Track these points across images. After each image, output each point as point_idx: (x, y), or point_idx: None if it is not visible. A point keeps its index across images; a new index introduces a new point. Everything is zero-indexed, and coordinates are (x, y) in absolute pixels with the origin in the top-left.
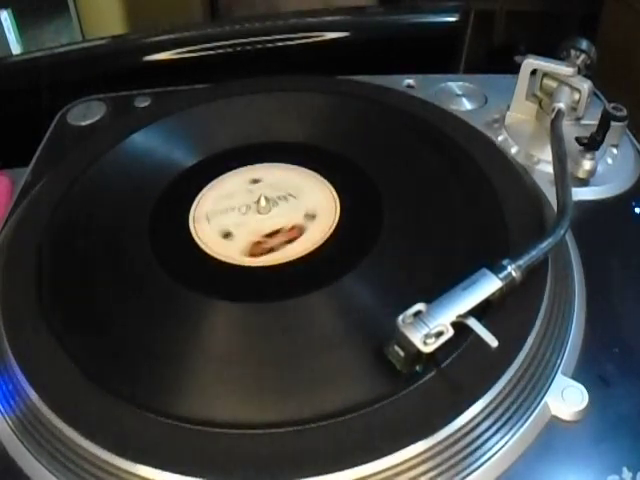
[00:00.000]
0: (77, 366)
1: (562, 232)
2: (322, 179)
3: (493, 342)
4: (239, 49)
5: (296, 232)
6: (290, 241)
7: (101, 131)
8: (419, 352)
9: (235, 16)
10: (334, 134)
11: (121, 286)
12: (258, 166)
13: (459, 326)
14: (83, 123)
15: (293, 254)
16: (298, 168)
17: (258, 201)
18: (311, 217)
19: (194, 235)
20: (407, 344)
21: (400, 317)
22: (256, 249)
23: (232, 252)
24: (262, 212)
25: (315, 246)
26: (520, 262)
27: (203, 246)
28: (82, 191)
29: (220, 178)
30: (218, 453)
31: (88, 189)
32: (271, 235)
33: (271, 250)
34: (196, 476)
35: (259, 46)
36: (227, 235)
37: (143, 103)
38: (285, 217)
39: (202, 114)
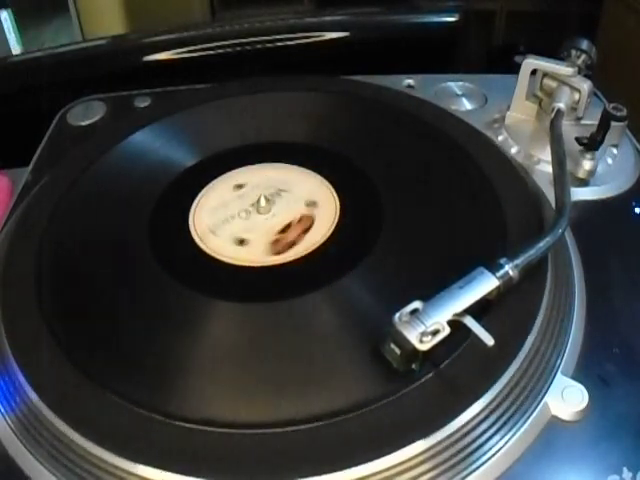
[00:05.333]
0: (77, 366)
1: (560, 231)
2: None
3: (489, 341)
4: (239, 49)
5: (307, 221)
6: (306, 230)
7: (101, 131)
8: (415, 350)
9: (235, 16)
10: (334, 134)
11: (121, 286)
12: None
13: (457, 325)
14: (83, 123)
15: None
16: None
17: (258, 201)
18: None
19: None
20: (403, 342)
21: (396, 315)
22: (278, 247)
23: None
24: (262, 212)
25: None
26: (517, 261)
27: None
28: (82, 191)
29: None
30: (217, 453)
31: (88, 189)
32: (285, 230)
33: (293, 244)
34: (196, 476)
35: (259, 46)
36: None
37: (143, 103)
38: (288, 212)
39: (202, 114)
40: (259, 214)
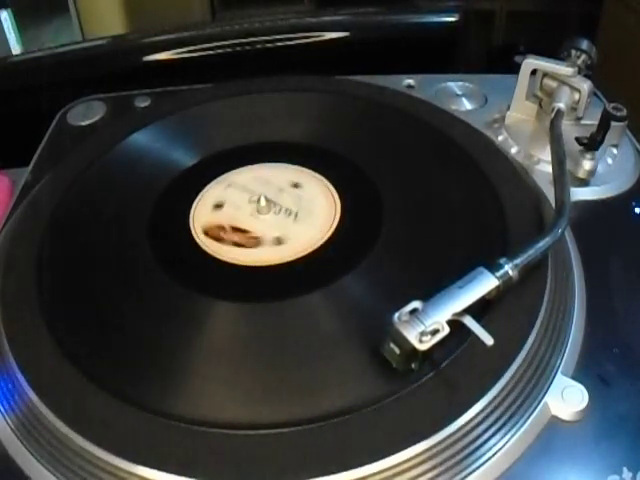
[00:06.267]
0: (77, 366)
1: (560, 231)
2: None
3: (489, 340)
4: (239, 49)
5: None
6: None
7: (101, 131)
8: (414, 350)
9: (235, 16)
10: (334, 134)
11: (121, 286)
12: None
13: (456, 325)
14: (83, 123)
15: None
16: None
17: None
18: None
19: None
20: (403, 341)
21: (396, 315)
22: (214, 232)
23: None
24: (262, 212)
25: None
26: (517, 261)
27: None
28: (82, 191)
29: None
30: (217, 454)
31: (88, 189)
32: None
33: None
34: (195, 476)
35: (259, 46)
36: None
37: (143, 103)
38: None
39: (202, 114)
40: (259, 214)
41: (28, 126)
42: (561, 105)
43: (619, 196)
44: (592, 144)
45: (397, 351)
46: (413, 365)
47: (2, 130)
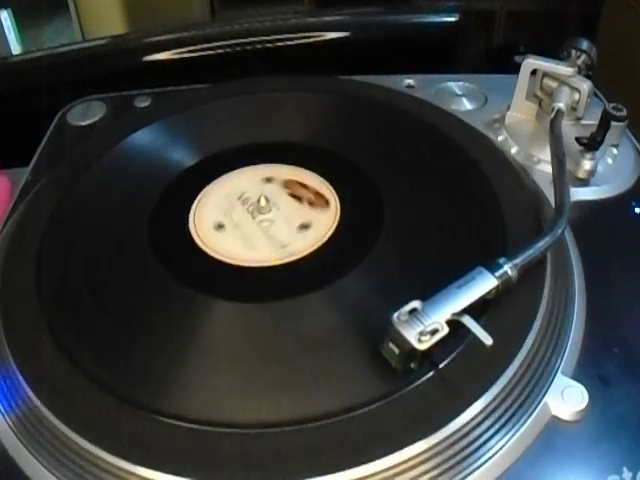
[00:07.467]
0: (76, 366)
1: (559, 231)
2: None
3: (487, 340)
4: (239, 49)
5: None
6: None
7: (101, 131)
8: (414, 349)
9: (235, 16)
10: (334, 134)
11: (121, 286)
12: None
13: (455, 324)
14: (83, 123)
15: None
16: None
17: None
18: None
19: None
20: (402, 341)
21: (395, 314)
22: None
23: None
24: (262, 212)
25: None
26: (516, 261)
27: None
28: (82, 191)
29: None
30: (217, 453)
31: (88, 189)
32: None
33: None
34: (195, 477)
35: (259, 46)
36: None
37: (143, 103)
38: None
39: (202, 114)
40: (260, 214)
41: (28, 126)
42: (561, 105)
43: (619, 196)
44: (592, 144)
45: (396, 351)
46: (412, 365)
47: (2, 130)
